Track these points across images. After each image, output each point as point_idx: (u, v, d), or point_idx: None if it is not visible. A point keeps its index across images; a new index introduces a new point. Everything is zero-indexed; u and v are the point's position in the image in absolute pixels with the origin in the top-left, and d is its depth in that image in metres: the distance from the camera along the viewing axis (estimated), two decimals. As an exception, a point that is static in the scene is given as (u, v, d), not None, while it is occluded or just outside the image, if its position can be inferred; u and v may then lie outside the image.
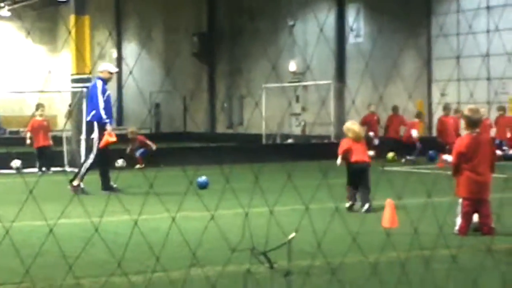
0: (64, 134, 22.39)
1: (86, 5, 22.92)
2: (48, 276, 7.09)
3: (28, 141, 21.11)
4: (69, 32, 30.41)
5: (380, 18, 31.30)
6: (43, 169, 20.66)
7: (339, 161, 12.14)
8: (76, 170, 15.92)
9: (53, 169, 20.80)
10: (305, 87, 35.06)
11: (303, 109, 35.96)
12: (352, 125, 12.38)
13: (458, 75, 27.74)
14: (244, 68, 39.88)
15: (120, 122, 45.71)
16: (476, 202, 9.38)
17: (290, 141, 31.29)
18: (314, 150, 24.21)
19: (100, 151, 14.83)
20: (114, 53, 49.03)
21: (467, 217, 9.38)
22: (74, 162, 20.55)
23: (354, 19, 33.23)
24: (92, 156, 14.85)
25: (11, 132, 39.92)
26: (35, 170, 20.74)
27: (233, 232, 8.95)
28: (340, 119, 30.00)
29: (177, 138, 37.66)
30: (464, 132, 9.97)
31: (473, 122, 9.57)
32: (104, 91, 14.88)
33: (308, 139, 32.06)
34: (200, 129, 40.19)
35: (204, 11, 42.70)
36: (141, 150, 22.46)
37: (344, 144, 12.17)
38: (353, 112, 27.94)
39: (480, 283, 6.50)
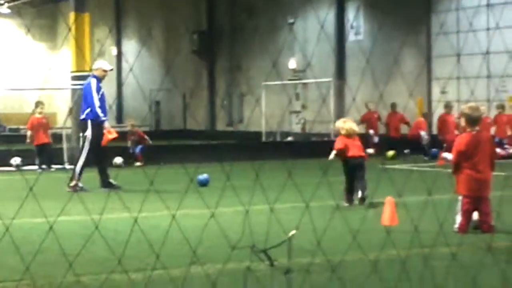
0: (64, 132, 22.41)
1: (86, 2, 22.94)
2: (48, 274, 7.09)
3: (28, 139, 21.15)
4: (69, 29, 30.39)
5: (380, 15, 31.27)
6: (43, 166, 20.67)
7: (331, 156, 12.15)
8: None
9: (53, 166, 20.83)
10: (305, 84, 35.03)
11: (303, 106, 35.91)
12: (343, 124, 12.41)
13: (458, 73, 27.71)
14: (244, 66, 39.83)
15: (120, 119, 45.67)
16: (476, 199, 9.38)
17: (290, 138, 31.26)
18: (314, 147, 24.16)
19: (97, 148, 14.80)
20: (114, 51, 49.00)
21: (467, 215, 9.37)
22: (74, 159, 20.53)
23: (354, 17, 33.19)
24: (84, 155, 14.76)
25: (11, 130, 39.88)
26: (35, 167, 20.75)
27: (233, 230, 8.95)
28: (340, 117, 29.78)
29: (177, 135, 37.58)
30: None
31: (473, 120, 9.57)
32: (98, 89, 14.75)
33: (308, 137, 32.02)
34: (200, 127, 40.14)
35: (204, 9, 42.65)
36: (140, 146, 22.51)
37: (339, 142, 12.19)
38: (354, 109, 27.89)
39: (480, 281, 6.51)
